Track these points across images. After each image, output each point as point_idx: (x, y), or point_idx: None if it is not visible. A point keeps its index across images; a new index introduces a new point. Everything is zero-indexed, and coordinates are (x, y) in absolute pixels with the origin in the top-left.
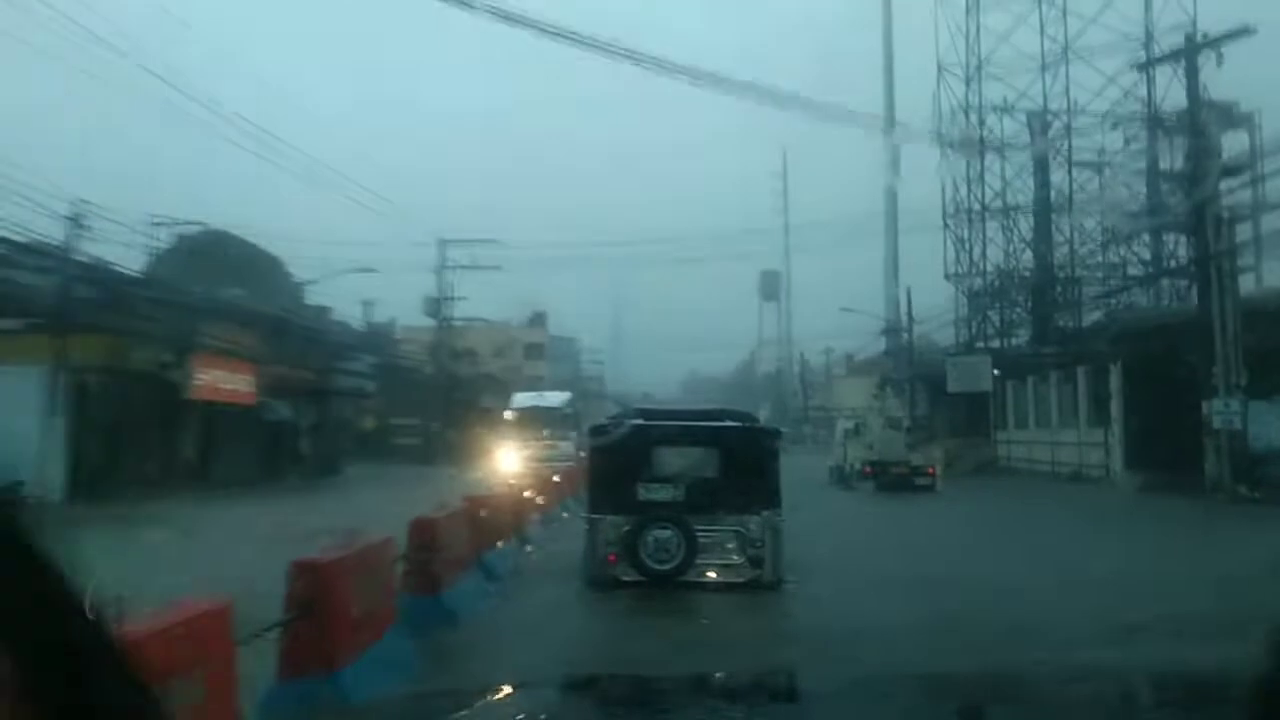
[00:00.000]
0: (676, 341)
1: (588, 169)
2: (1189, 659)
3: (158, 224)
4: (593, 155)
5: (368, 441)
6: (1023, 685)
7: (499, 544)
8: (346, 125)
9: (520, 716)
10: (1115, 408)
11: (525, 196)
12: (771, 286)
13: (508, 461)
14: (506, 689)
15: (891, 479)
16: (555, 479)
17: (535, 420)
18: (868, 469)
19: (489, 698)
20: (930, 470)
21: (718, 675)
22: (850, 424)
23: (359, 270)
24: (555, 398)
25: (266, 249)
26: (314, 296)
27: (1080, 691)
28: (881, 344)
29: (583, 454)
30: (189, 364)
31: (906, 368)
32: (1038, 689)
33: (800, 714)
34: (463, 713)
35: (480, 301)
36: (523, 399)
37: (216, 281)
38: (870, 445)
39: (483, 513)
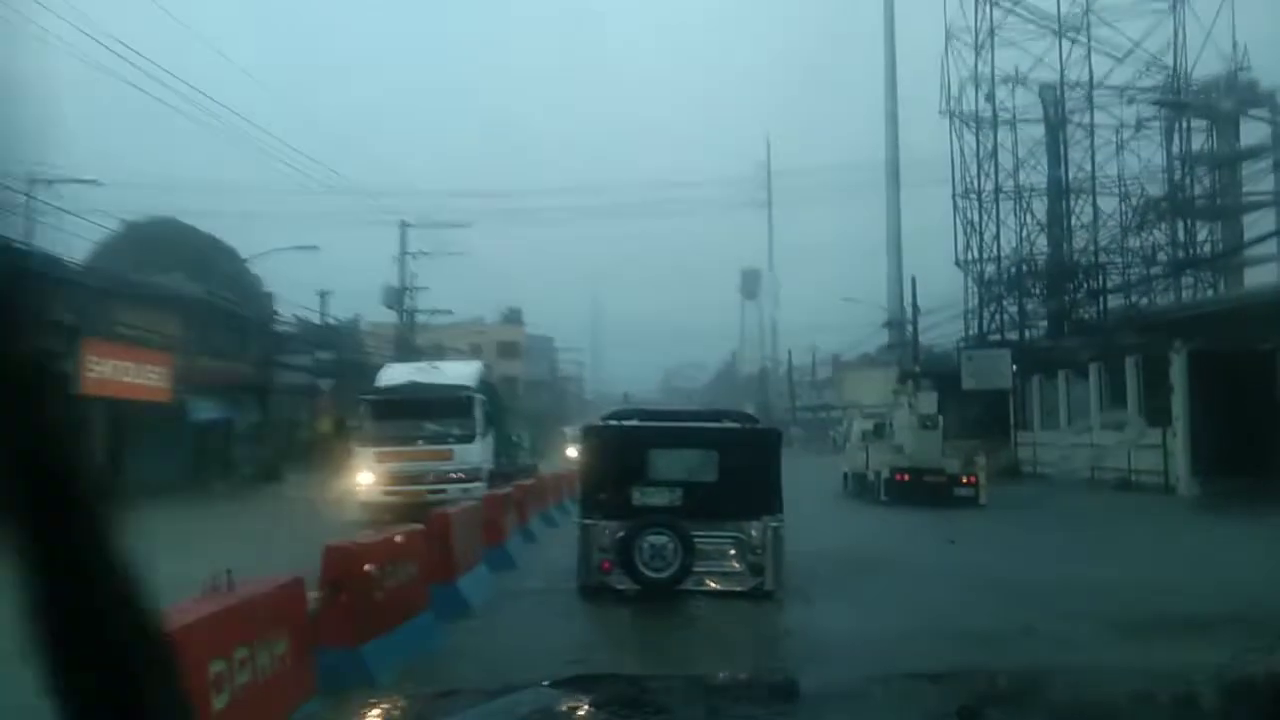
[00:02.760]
0: (656, 342)
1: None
2: None
3: (36, 182)
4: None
5: (324, 445)
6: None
7: (404, 620)
8: (280, 84)
9: (520, 716)
10: (1178, 404)
11: (500, 155)
12: (752, 285)
13: (364, 481)
14: (505, 689)
15: (926, 489)
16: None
17: (413, 411)
18: (899, 476)
19: (487, 698)
20: (972, 479)
21: (717, 675)
22: (869, 424)
23: (300, 248)
24: (451, 371)
25: (221, 239)
26: (269, 287)
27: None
28: (876, 339)
29: (489, 468)
30: (80, 352)
31: (913, 362)
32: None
33: (801, 713)
34: (462, 713)
35: (453, 298)
36: (395, 374)
37: (165, 271)
38: (899, 448)
39: (366, 568)
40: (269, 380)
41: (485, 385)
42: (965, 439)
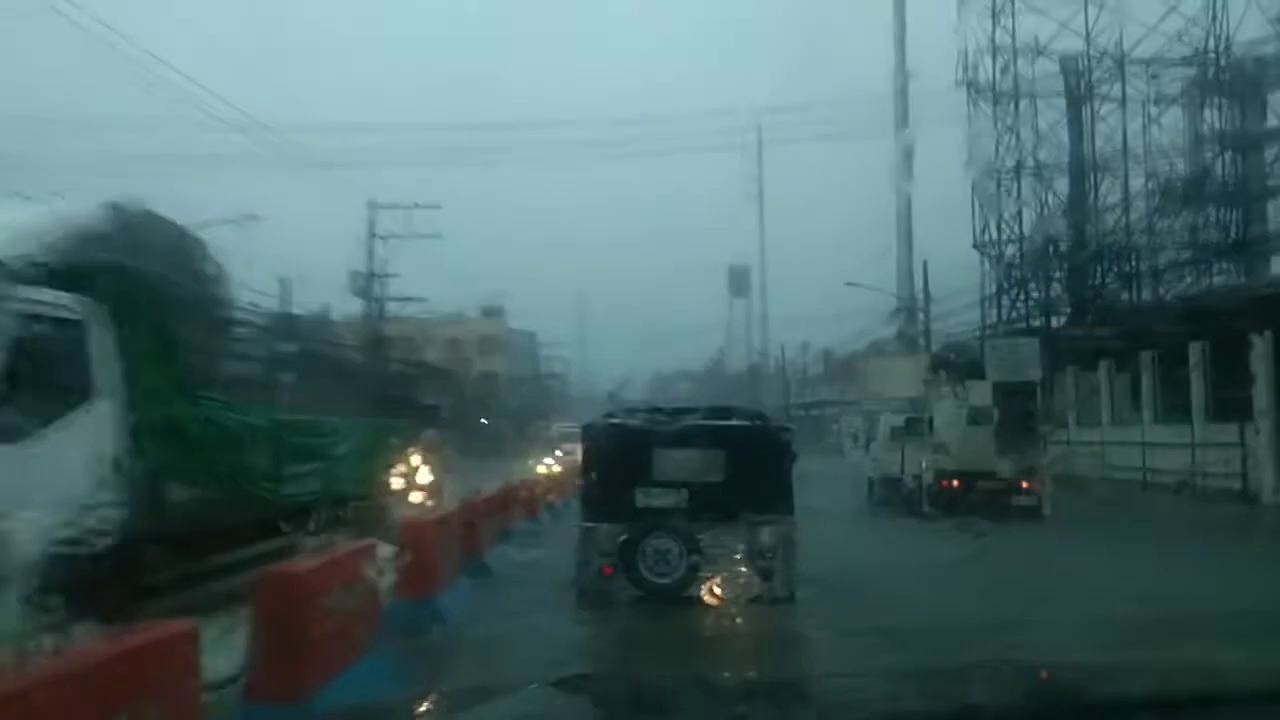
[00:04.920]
0: (642, 339)
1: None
2: None
3: None
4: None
5: None
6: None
7: None
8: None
9: (519, 717)
10: (1262, 396)
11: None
12: (741, 282)
13: None
14: (504, 690)
15: (978, 497)
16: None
17: None
18: (945, 482)
19: (487, 699)
20: (1033, 485)
21: (720, 676)
22: (899, 419)
23: (241, 219)
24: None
25: (189, 229)
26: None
27: None
28: (877, 330)
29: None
30: None
31: (925, 351)
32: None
33: (804, 713)
34: (461, 714)
35: (428, 286)
36: None
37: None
38: (942, 448)
39: None
40: (216, 372)
41: (103, 273)
42: None
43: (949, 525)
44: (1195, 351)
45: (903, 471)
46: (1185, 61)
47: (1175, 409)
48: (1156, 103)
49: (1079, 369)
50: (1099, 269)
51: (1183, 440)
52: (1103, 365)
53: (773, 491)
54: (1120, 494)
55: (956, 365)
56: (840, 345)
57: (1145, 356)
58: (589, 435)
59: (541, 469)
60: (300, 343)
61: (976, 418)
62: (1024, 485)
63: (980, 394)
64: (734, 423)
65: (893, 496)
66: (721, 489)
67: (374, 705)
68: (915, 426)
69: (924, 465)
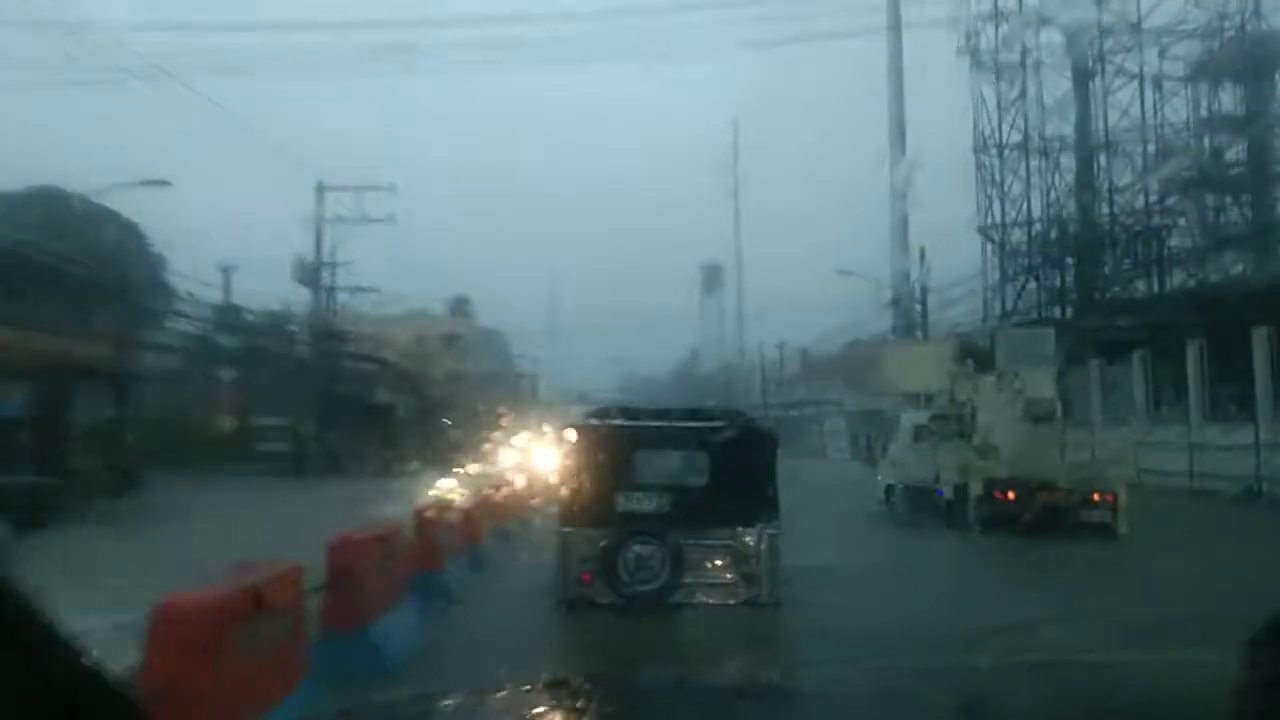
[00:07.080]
0: (614, 340)
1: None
2: None
3: None
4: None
5: (226, 447)
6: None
7: None
8: None
9: (511, 717)
10: None
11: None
12: (714, 280)
13: None
14: (496, 690)
15: (1039, 512)
16: None
17: None
18: (997, 493)
19: (480, 699)
20: (1108, 497)
21: (711, 676)
22: (923, 416)
23: (150, 183)
24: None
25: (116, 210)
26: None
27: None
28: (858, 327)
29: None
30: None
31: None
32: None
33: (795, 712)
34: (454, 715)
35: (389, 278)
36: None
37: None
38: (992, 451)
39: None
40: (130, 365)
41: None
42: None
43: (1019, 552)
44: (1259, 339)
45: (937, 479)
46: (1201, 31)
47: (1230, 406)
48: (1167, 80)
49: (1104, 362)
50: (1114, 254)
51: (1244, 441)
52: (1136, 357)
53: (757, 496)
54: (1177, 504)
55: (988, 353)
56: (818, 344)
57: (1191, 347)
58: (568, 437)
59: (442, 492)
60: (245, 335)
61: (1035, 414)
62: (1094, 497)
63: (1039, 384)
64: (718, 424)
65: (921, 508)
66: (705, 493)
67: (368, 706)
68: (949, 425)
69: (968, 472)
